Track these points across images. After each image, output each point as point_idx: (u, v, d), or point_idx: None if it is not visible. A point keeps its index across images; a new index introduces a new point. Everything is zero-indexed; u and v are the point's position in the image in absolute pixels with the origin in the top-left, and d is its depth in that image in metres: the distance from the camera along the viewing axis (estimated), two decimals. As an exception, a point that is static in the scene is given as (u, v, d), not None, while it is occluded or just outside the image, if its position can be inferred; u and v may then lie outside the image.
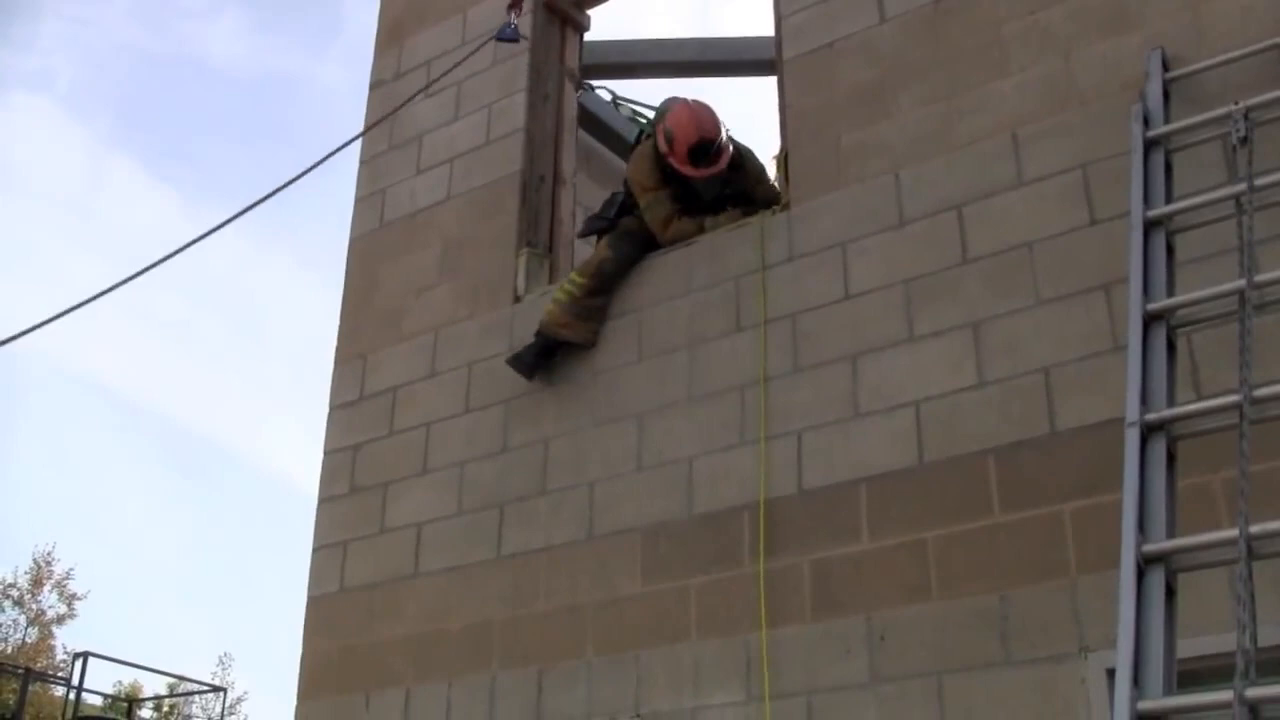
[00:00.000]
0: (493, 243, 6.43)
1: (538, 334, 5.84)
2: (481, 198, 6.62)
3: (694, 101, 6.04)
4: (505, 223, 6.43)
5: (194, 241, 6.06)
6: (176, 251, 6.00)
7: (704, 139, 5.87)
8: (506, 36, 6.53)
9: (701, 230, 5.75)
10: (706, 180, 5.90)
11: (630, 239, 5.94)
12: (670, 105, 6.12)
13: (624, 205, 6.10)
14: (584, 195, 7.60)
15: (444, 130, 7.01)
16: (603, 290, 5.84)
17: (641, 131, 6.13)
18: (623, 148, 8.64)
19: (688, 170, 5.87)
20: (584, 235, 6.36)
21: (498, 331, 6.15)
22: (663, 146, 5.92)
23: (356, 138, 6.95)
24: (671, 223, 5.85)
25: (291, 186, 6.04)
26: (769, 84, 6.04)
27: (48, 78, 65.77)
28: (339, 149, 6.53)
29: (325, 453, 6.61)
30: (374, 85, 7.51)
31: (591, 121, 8.22)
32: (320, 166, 6.23)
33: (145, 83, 73.36)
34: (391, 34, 7.64)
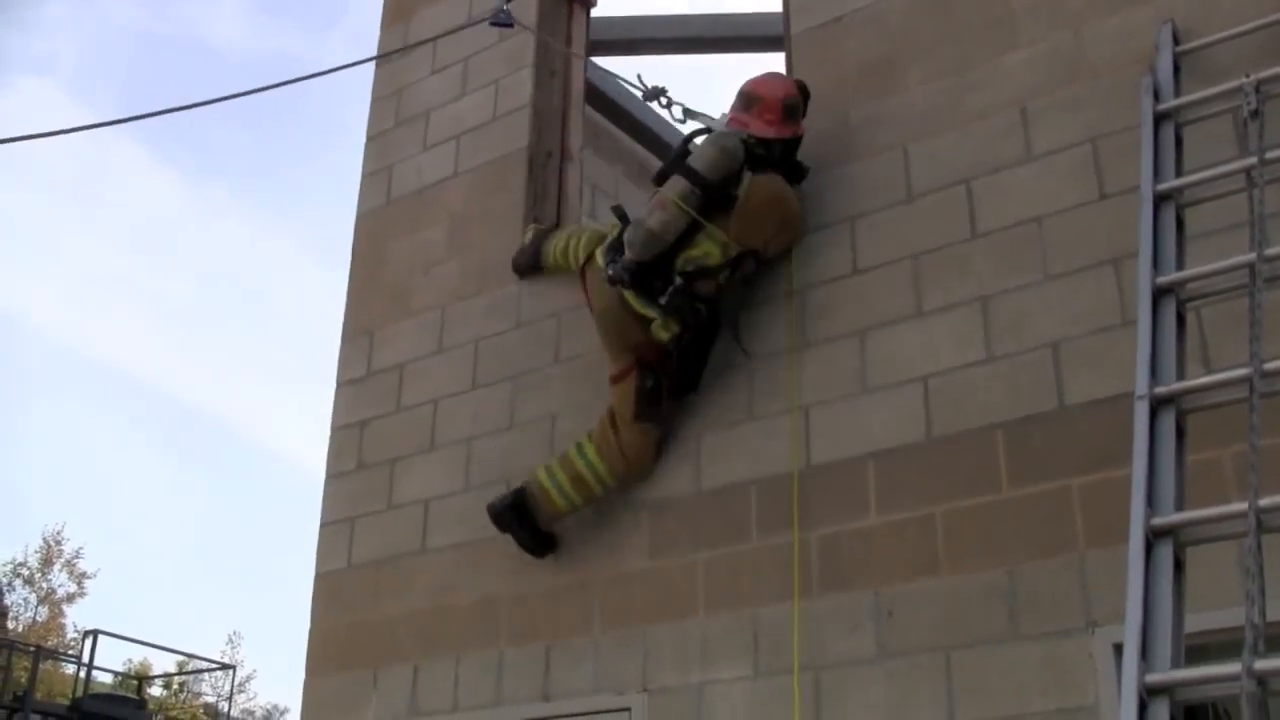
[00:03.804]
0: (499, 219, 6.42)
1: (524, 504, 5.36)
2: (488, 174, 6.60)
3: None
4: (512, 199, 6.42)
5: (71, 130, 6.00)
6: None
7: (797, 87, 5.26)
8: (500, 21, 6.43)
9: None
10: (799, 138, 5.26)
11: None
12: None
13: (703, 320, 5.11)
14: (591, 171, 7.59)
15: (451, 106, 6.99)
16: None
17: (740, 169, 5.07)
18: (630, 124, 8.60)
19: (777, 131, 5.14)
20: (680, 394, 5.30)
21: (505, 307, 6.14)
22: (736, 120, 5.18)
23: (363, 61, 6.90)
24: None
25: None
26: (777, 60, 5.98)
27: (51, 61, 65.93)
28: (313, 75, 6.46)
29: (332, 429, 6.61)
30: (379, 62, 7.48)
31: (599, 98, 8.19)
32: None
33: (148, 65, 73.45)
34: (397, 12, 7.62)
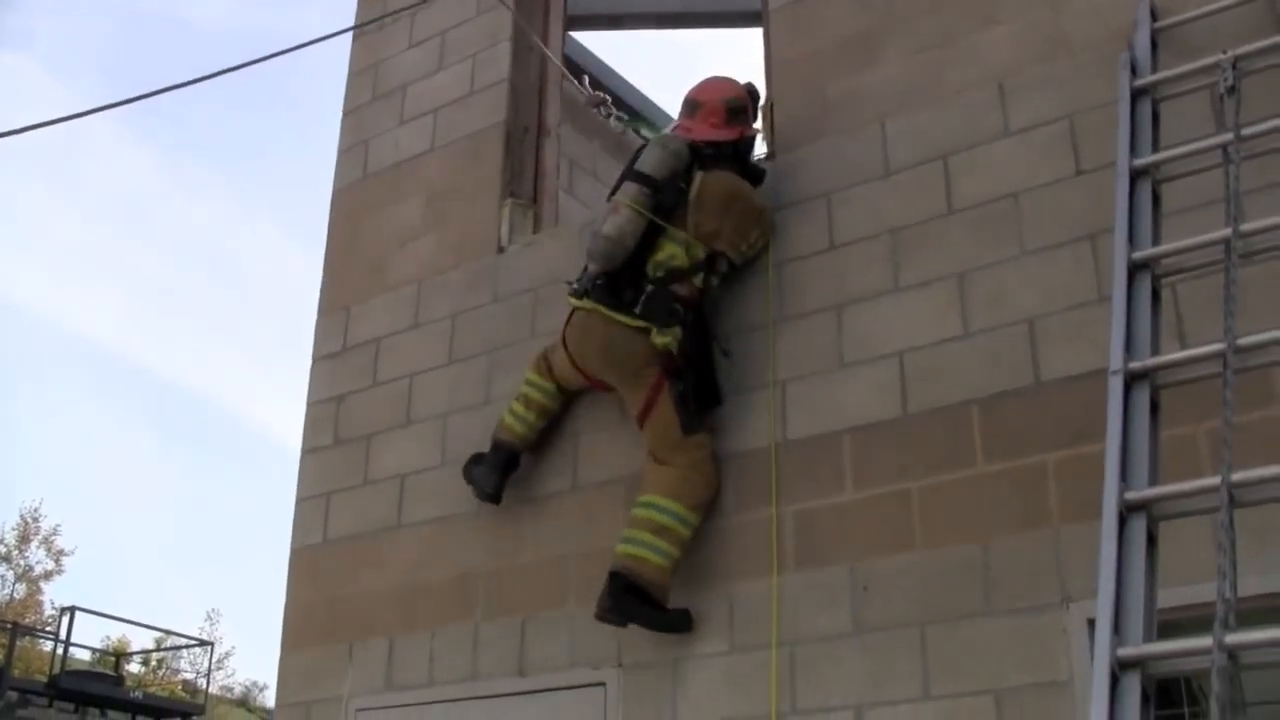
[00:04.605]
0: (476, 193, 6.39)
1: (632, 584, 4.71)
2: (465, 148, 6.57)
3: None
4: (489, 173, 6.39)
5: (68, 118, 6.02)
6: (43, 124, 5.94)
7: (743, 89, 5.31)
8: None
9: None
10: (751, 139, 5.32)
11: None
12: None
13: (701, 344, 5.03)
14: (568, 147, 7.56)
15: (427, 81, 6.96)
16: None
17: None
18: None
19: (722, 133, 5.21)
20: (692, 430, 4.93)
21: (481, 282, 6.11)
22: (681, 127, 5.26)
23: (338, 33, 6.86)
24: None
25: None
26: (754, 35, 5.96)
27: (27, 36, 65.50)
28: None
29: (308, 404, 6.59)
30: (356, 36, 7.44)
31: (577, 73, 8.15)
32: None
33: (126, 41, 73.10)
34: (375, -17, 7.56)
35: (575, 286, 5.13)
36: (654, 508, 4.79)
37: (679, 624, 4.79)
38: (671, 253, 5.00)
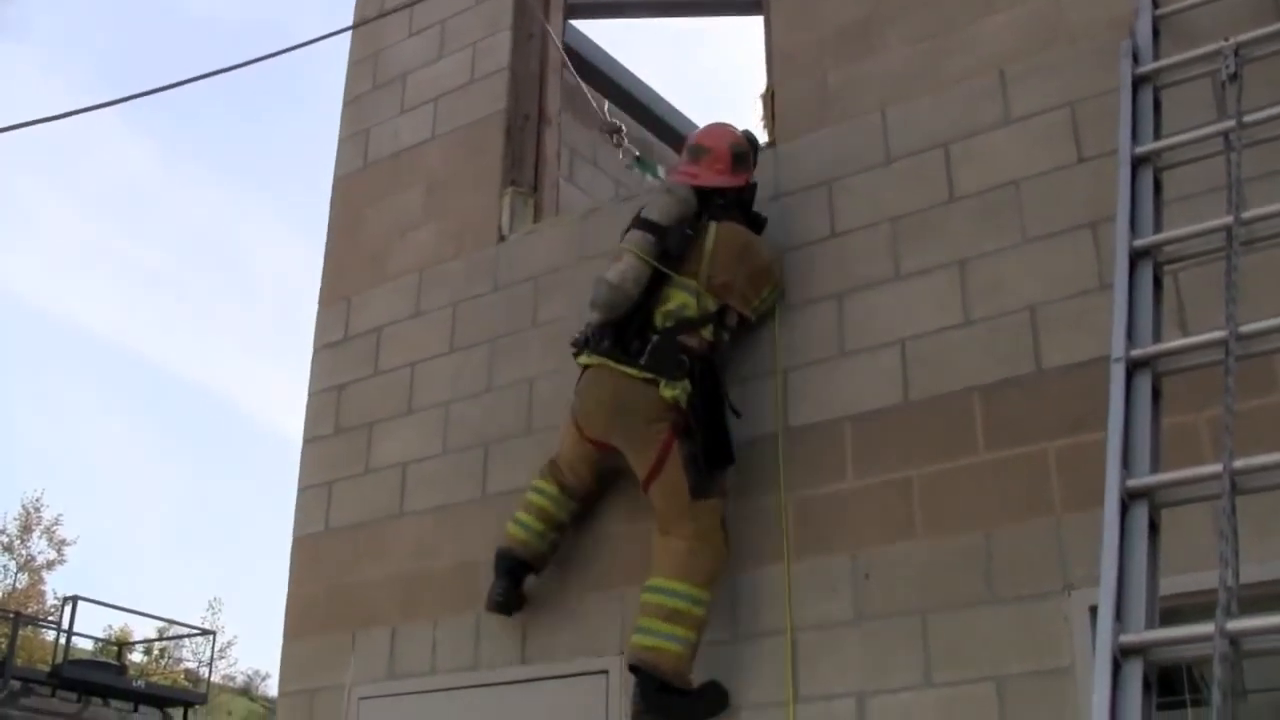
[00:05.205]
0: (477, 182, 6.38)
1: (660, 681, 4.49)
2: (466, 137, 6.57)
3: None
4: (490, 162, 6.38)
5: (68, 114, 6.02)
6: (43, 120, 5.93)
7: (743, 136, 5.21)
8: None
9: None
10: (754, 186, 5.19)
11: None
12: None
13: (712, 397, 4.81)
14: (569, 135, 7.55)
15: (428, 69, 6.95)
16: None
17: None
18: (610, 89, 8.55)
19: (728, 180, 5.10)
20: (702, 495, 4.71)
21: (482, 271, 6.11)
22: (686, 173, 5.13)
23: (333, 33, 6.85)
24: None
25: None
26: (755, 23, 5.95)
27: (25, 26, 65.35)
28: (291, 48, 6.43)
29: (310, 393, 6.59)
30: (356, 25, 7.42)
31: (577, 60, 8.13)
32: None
33: (125, 31, 72.98)
34: (375, -29, 7.55)
35: (578, 337, 5.02)
36: (663, 592, 4.56)
37: (716, 707, 4.60)
38: (683, 302, 4.85)
